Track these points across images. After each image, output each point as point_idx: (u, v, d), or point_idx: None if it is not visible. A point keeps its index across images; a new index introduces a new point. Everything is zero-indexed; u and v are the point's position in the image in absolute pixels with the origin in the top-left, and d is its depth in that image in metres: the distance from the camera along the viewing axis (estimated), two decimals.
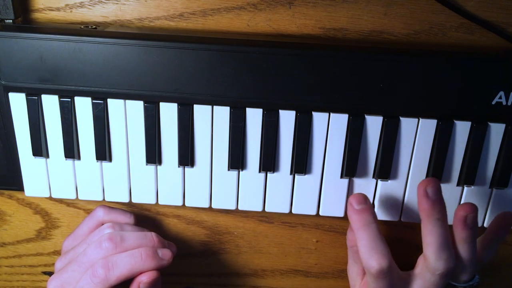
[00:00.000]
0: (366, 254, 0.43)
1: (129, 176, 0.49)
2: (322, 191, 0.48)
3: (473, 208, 0.43)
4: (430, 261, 0.43)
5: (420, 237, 0.44)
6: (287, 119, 0.46)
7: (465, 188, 0.48)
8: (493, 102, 0.44)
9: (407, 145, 0.46)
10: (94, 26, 0.46)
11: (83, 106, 0.46)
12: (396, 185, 0.48)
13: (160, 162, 0.48)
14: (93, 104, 0.46)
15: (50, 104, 0.46)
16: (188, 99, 0.45)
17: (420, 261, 0.45)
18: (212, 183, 0.49)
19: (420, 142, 0.46)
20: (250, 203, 0.49)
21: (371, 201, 0.49)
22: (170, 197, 0.49)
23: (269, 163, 0.47)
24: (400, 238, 0.54)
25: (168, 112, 0.46)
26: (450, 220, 0.45)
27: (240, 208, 0.49)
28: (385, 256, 0.43)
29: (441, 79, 0.44)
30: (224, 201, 0.49)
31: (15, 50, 0.44)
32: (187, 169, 0.48)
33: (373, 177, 0.48)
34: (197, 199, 0.49)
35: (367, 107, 0.45)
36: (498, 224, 0.47)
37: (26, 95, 0.45)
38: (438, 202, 0.43)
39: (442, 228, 0.42)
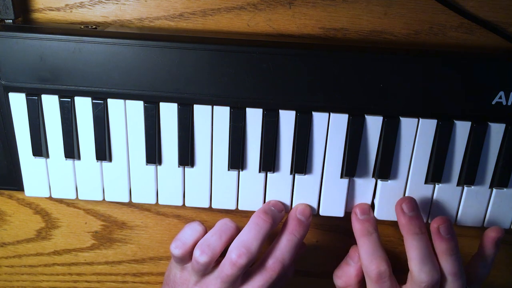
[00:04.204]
0: (367, 260, 0.45)
1: (129, 176, 0.49)
2: (322, 191, 0.48)
3: (444, 219, 0.45)
4: (414, 274, 0.44)
5: None
6: (287, 119, 0.46)
7: (465, 188, 0.48)
8: (493, 102, 0.44)
9: (407, 145, 0.46)
10: (94, 26, 0.46)
11: (83, 106, 0.46)
12: (396, 185, 0.48)
13: (160, 162, 0.48)
14: (93, 104, 0.46)
15: (50, 104, 0.46)
16: (188, 99, 0.45)
17: (409, 276, 0.46)
18: (212, 183, 0.49)
19: (420, 142, 0.46)
20: (250, 203, 0.49)
21: (371, 201, 0.49)
22: (170, 197, 0.49)
23: (269, 163, 0.47)
24: (401, 238, 0.53)
25: (168, 112, 0.46)
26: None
27: (240, 208, 0.49)
28: (384, 261, 0.45)
29: (441, 79, 0.44)
30: (224, 201, 0.49)
31: (15, 50, 0.44)
32: (187, 169, 0.48)
33: (373, 177, 0.48)
34: (197, 199, 0.49)
35: (367, 107, 0.45)
36: (488, 239, 0.47)
37: (26, 95, 0.45)
38: (415, 218, 0.45)
39: (421, 241, 0.44)
